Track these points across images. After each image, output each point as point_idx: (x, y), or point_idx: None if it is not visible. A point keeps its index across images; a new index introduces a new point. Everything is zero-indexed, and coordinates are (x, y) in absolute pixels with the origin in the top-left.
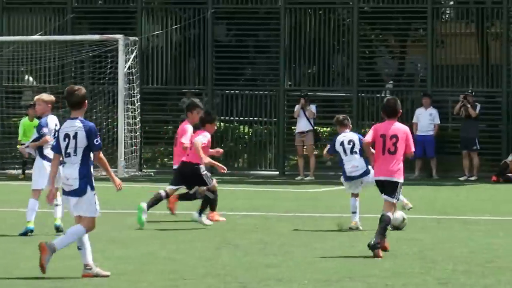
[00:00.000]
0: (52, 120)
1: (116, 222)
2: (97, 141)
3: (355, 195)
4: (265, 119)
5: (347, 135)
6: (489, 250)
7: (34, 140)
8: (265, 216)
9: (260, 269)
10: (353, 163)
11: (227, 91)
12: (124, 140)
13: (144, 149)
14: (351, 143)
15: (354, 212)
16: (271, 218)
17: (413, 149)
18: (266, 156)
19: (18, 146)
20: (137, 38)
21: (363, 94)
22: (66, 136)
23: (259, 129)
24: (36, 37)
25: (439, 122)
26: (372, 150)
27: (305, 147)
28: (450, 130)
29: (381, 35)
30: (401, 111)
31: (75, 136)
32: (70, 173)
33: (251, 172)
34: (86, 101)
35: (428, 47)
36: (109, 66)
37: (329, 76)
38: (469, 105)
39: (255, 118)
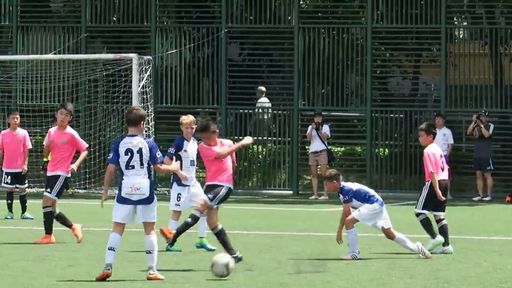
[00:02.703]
0: None
1: (126, 241)
2: (158, 154)
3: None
4: (279, 138)
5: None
6: (503, 271)
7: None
8: (279, 235)
9: None
10: None
11: (240, 110)
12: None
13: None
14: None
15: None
16: (285, 237)
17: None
18: (280, 176)
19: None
20: (151, 57)
21: (376, 114)
22: (129, 150)
23: (273, 148)
24: (50, 55)
25: (452, 142)
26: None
27: (319, 166)
28: (464, 150)
29: (394, 55)
30: None
31: (139, 151)
32: (140, 182)
33: (264, 191)
34: (143, 122)
35: (442, 67)
36: (123, 85)
37: (342, 95)
38: (482, 125)
39: (269, 138)
